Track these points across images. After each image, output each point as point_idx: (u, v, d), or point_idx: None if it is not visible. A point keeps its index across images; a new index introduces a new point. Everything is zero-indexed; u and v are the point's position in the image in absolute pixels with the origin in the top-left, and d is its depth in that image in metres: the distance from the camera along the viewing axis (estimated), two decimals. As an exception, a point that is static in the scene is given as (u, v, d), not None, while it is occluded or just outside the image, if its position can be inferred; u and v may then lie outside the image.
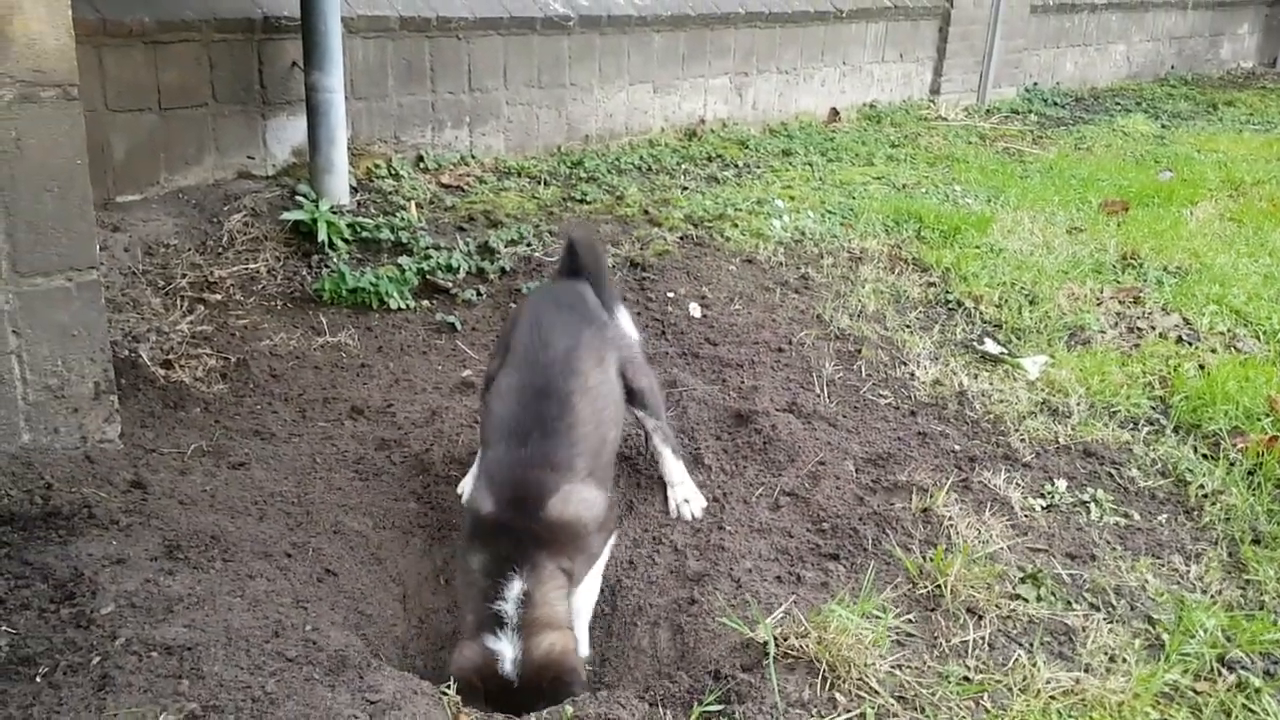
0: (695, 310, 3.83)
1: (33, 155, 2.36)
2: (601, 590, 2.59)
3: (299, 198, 4.03)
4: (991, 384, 3.35)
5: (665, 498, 2.79)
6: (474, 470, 2.63)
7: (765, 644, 2.10)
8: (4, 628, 1.95)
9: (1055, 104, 8.15)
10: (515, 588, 2.10)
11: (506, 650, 2.06)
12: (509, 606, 2.08)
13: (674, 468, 2.79)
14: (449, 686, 2.01)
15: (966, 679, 2.11)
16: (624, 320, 2.75)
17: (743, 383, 3.33)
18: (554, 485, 2.21)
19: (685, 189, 5.15)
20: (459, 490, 2.75)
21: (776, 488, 2.79)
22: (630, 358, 2.67)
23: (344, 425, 3.06)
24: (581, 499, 2.26)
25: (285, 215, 3.93)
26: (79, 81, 2.40)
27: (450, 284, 3.90)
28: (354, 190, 4.30)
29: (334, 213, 4.02)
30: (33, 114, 2.34)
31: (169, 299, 3.52)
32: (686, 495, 2.77)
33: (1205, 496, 2.84)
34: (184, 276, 3.62)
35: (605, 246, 4.32)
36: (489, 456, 2.31)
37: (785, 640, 2.11)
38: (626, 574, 2.60)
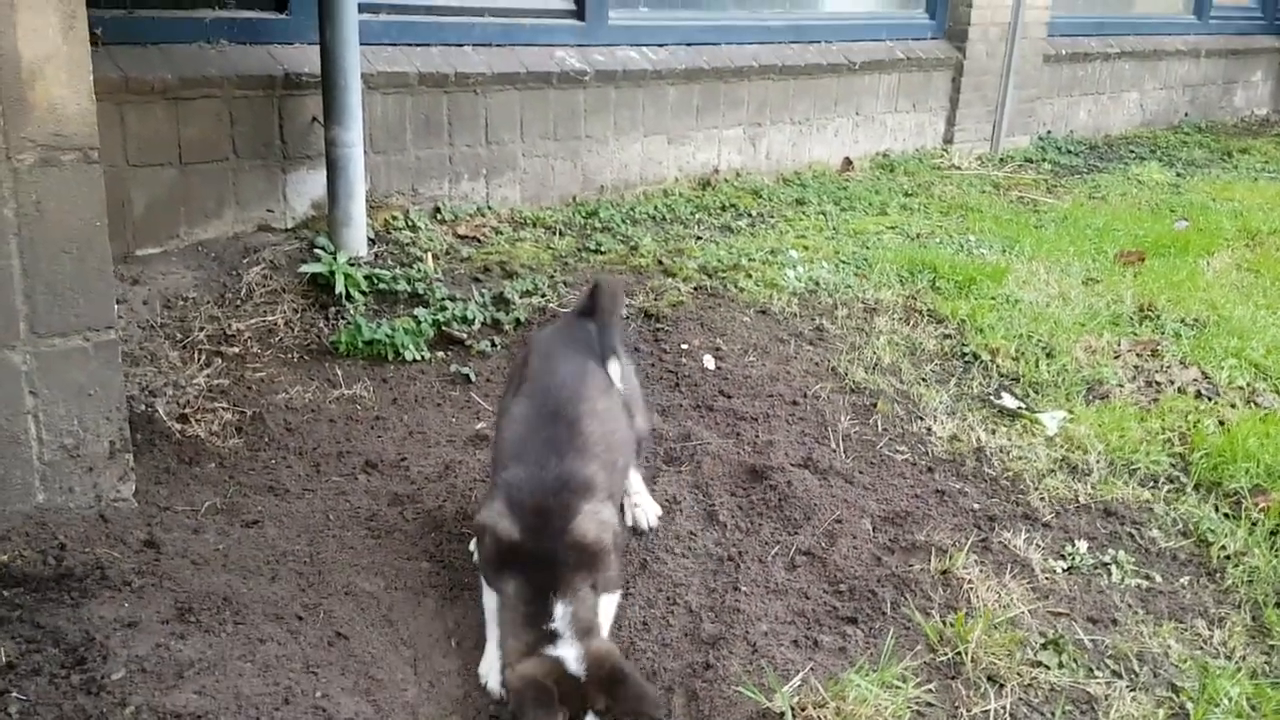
0: (709, 362, 3.82)
1: (52, 218, 2.38)
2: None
3: (317, 250, 4.06)
4: (1009, 440, 3.32)
5: (677, 554, 2.76)
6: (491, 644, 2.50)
7: (782, 715, 2.07)
8: (15, 694, 1.94)
9: (1069, 152, 8.16)
10: (559, 609, 2.19)
11: (569, 652, 2.14)
12: (560, 624, 2.18)
13: (634, 480, 2.88)
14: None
15: (987, 751, 2.07)
16: (614, 370, 2.68)
17: (757, 437, 3.31)
18: (576, 507, 2.28)
19: (699, 239, 5.17)
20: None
21: (793, 547, 2.77)
22: (631, 396, 2.77)
23: (357, 480, 3.05)
24: (601, 521, 2.32)
25: (304, 268, 3.96)
26: (99, 143, 2.43)
27: (465, 335, 3.91)
28: (372, 242, 4.33)
29: (351, 265, 4.05)
30: (53, 177, 2.37)
31: (186, 352, 3.54)
32: (639, 502, 2.89)
33: (1227, 558, 2.80)
34: (202, 329, 3.64)
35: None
36: (506, 477, 2.35)
37: (803, 710, 2.08)
38: (640, 636, 2.57)
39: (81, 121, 2.38)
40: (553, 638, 2.16)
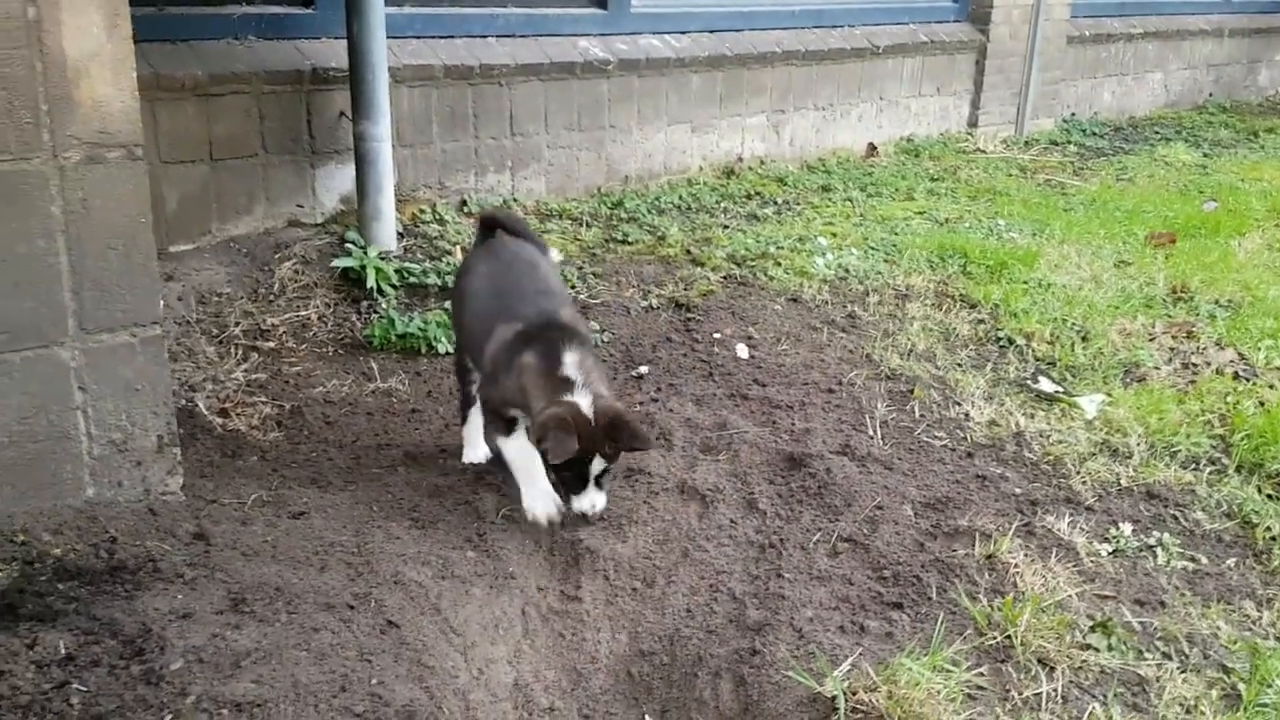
0: (743, 351, 3.82)
1: (98, 215, 2.40)
2: (659, 638, 2.57)
3: (348, 245, 4.08)
4: (1049, 424, 3.31)
5: (719, 542, 2.77)
6: (471, 439, 3.09)
7: (834, 698, 2.07)
8: (75, 685, 1.96)
9: (1094, 134, 8.11)
10: (571, 357, 2.57)
11: (583, 400, 2.52)
12: (573, 371, 2.55)
13: None
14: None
15: (1041, 733, 2.06)
16: (554, 255, 3.38)
17: (794, 425, 3.31)
18: (560, 304, 2.77)
19: (726, 228, 5.16)
20: (464, 461, 3.06)
21: (834, 533, 2.76)
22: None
23: (398, 472, 3.06)
24: (581, 323, 2.78)
25: (335, 262, 3.98)
26: (143, 140, 2.45)
27: (497, 328, 3.92)
28: (401, 236, 4.34)
29: (382, 259, 4.06)
30: (99, 175, 2.38)
31: (223, 347, 3.56)
32: None
33: (1273, 539, 2.79)
34: (237, 325, 3.66)
35: (649, 287, 4.34)
36: (503, 313, 2.72)
37: (854, 694, 2.08)
38: (685, 623, 2.58)
39: (125, 119, 2.39)
40: (568, 385, 2.53)
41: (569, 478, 2.56)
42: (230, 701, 1.91)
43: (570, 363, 2.57)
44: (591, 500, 2.57)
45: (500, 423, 2.72)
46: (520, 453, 2.70)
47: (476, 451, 3.07)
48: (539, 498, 2.67)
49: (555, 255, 3.21)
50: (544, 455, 2.51)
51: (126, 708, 1.91)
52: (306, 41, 4.24)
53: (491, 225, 3.14)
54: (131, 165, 2.43)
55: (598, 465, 2.54)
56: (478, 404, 3.07)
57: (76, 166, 2.36)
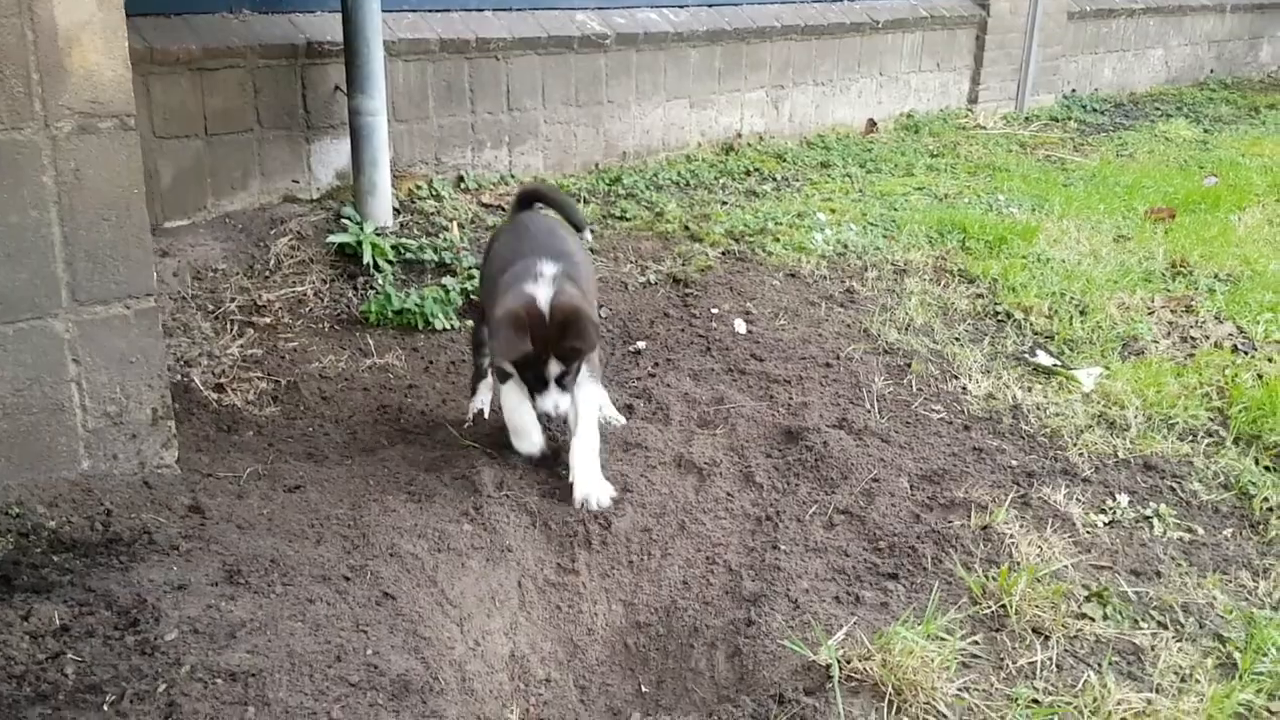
0: (740, 326, 3.81)
1: (91, 185, 2.39)
2: (655, 610, 2.57)
3: (343, 220, 4.06)
4: (1046, 397, 3.30)
5: (715, 514, 2.77)
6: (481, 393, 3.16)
7: (829, 666, 2.07)
8: (70, 655, 1.96)
9: (1094, 110, 8.07)
10: (549, 268, 2.60)
11: (542, 294, 2.53)
12: (546, 269, 2.58)
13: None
14: (511, 711, 2.01)
15: (1036, 701, 2.07)
16: (588, 235, 3.36)
17: (791, 399, 3.30)
18: (563, 257, 2.72)
19: (724, 204, 5.14)
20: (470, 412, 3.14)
21: (830, 506, 2.76)
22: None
23: (394, 447, 3.06)
24: (582, 277, 2.75)
25: (330, 238, 3.96)
26: (135, 110, 2.43)
27: (494, 303, 3.91)
28: (397, 212, 4.32)
29: (378, 234, 4.05)
30: (91, 145, 2.37)
31: (219, 323, 3.55)
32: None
33: (1270, 510, 2.78)
34: (233, 300, 3.65)
35: (647, 263, 4.32)
36: (512, 267, 2.69)
37: (849, 663, 2.08)
38: (681, 594, 2.58)
39: (117, 88, 2.37)
40: (536, 276, 2.56)
41: (528, 378, 2.59)
42: (225, 671, 1.92)
43: (545, 267, 2.58)
44: (554, 401, 2.59)
45: (500, 372, 2.73)
46: (509, 396, 2.74)
47: (478, 400, 3.16)
48: (520, 435, 2.74)
49: (588, 235, 3.22)
50: (493, 354, 2.56)
51: (121, 677, 1.91)
52: (301, 15, 4.21)
53: (531, 199, 3.16)
54: (124, 135, 2.42)
55: (554, 367, 2.55)
56: (488, 378, 3.11)
57: (69, 136, 2.34)
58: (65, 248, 2.38)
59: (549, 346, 2.52)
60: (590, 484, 2.70)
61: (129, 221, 2.45)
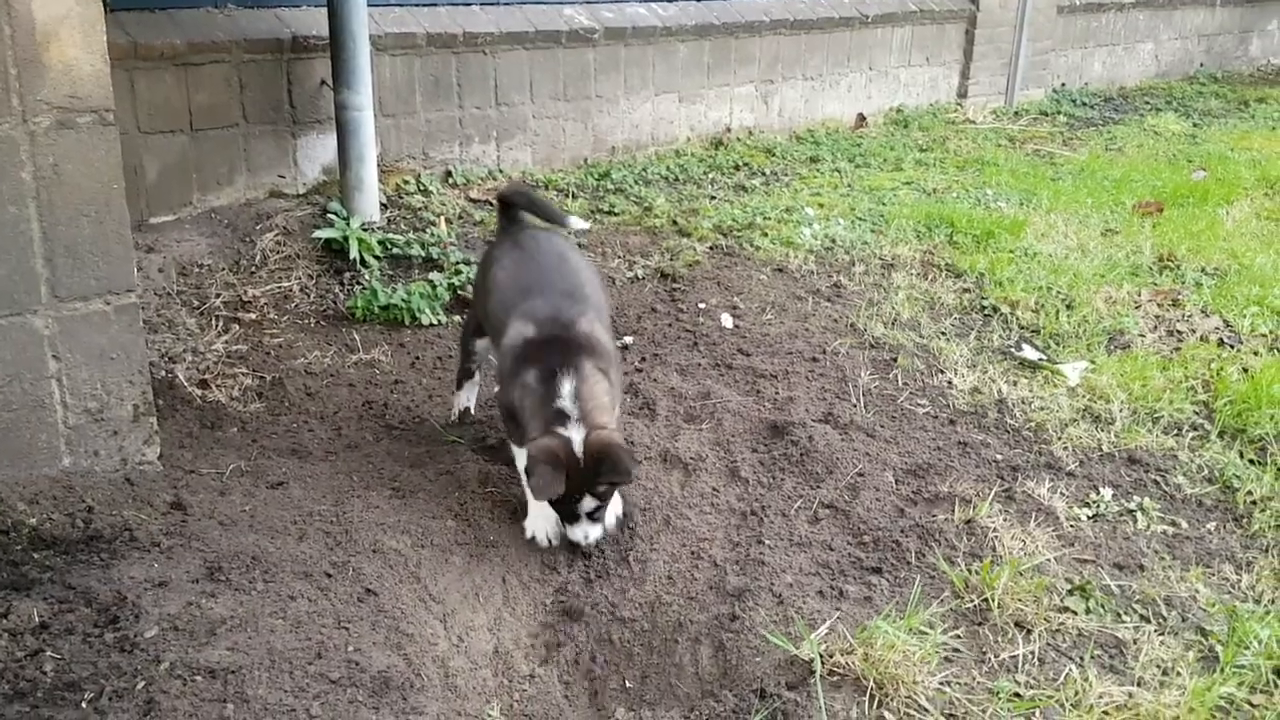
0: (727, 321, 3.80)
1: (70, 180, 2.37)
2: (640, 605, 2.57)
3: (330, 215, 4.05)
4: (1031, 391, 3.31)
5: (700, 509, 2.76)
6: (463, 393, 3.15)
7: (811, 661, 2.07)
8: (49, 653, 1.96)
9: (1084, 105, 8.07)
10: (568, 386, 2.48)
11: (575, 435, 2.46)
12: (568, 403, 2.48)
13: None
14: (492, 708, 2.00)
15: (1017, 695, 2.07)
16: (575, 223, 3.17)
17: (777, 393, 3.30)
18: (581, 311, 2.65)
19: (713, 198, 5.14)
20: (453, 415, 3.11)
21: (815, 500, 2.76)
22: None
23: (379, 443, 3.05)
24: (601, 328, 2.68)
25: (317, 233, 3.95)
26: (114, 105, 2.42)
27: (481, 299, 3.90)
28: (384, 207, 4.31)
29: (365, 230, 4.03)
30: (70, 140, 2.35)
31: (204, 319, 3.54)
32: None
33: (1254, 503, 2.79)
34: (218, 296, 3.64)
35: (635, 258, 4.31)
36: (520, 307, 2.66)
37: (831, 657, 2.08)
38: (666, 589, 2.57)
39: (96, 83, 2.36)
40: (563, 417, 2.47)
41: (561, 510, 2.55)
42: (204, 668, 1.91)
43: (567, 393, 2.49)
44: (585, 532, 2.56)
45: (514, 426, 2.64)
46: (525, 390, 2.65)
47: (463, 397, 3.16)
48: (539, 519, 2.63)
49: (579, 224, 3.17)
50: (531, 490, 2.47)
51: (100, 675, 1.90)
52: (286, 10, 4.19)
53: (510, 205, 3.07)
54: (103, 130, 2.40)
55: (588, 504, 2.50)
56: (475, 377, 3.12)
57: (47, 131, 2.33)
58: (44, 243, 2.37)
59: (584, 486, 2.46)
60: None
61: (109, 217, 2.44)
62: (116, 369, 2.53)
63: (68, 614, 2.07)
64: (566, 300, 2.67)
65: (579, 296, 2.71)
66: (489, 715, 1.97)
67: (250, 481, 2.69)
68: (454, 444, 3.02)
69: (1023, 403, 3.23)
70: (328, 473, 2.79)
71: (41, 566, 2.21)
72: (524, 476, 2.55)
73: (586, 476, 2.45)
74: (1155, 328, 3.81)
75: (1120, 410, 3.19)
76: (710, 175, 5.50)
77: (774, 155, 5.95)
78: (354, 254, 3.92)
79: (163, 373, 3.19)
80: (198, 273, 3.72)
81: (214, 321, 3.53)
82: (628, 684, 2.49)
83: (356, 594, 2.26)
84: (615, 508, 2.73)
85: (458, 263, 4.02)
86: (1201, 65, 9.80)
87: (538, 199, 3.18)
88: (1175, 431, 3.11)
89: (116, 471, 2.57)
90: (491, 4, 4.88)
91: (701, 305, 3.91)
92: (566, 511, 2.55)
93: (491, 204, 4.67)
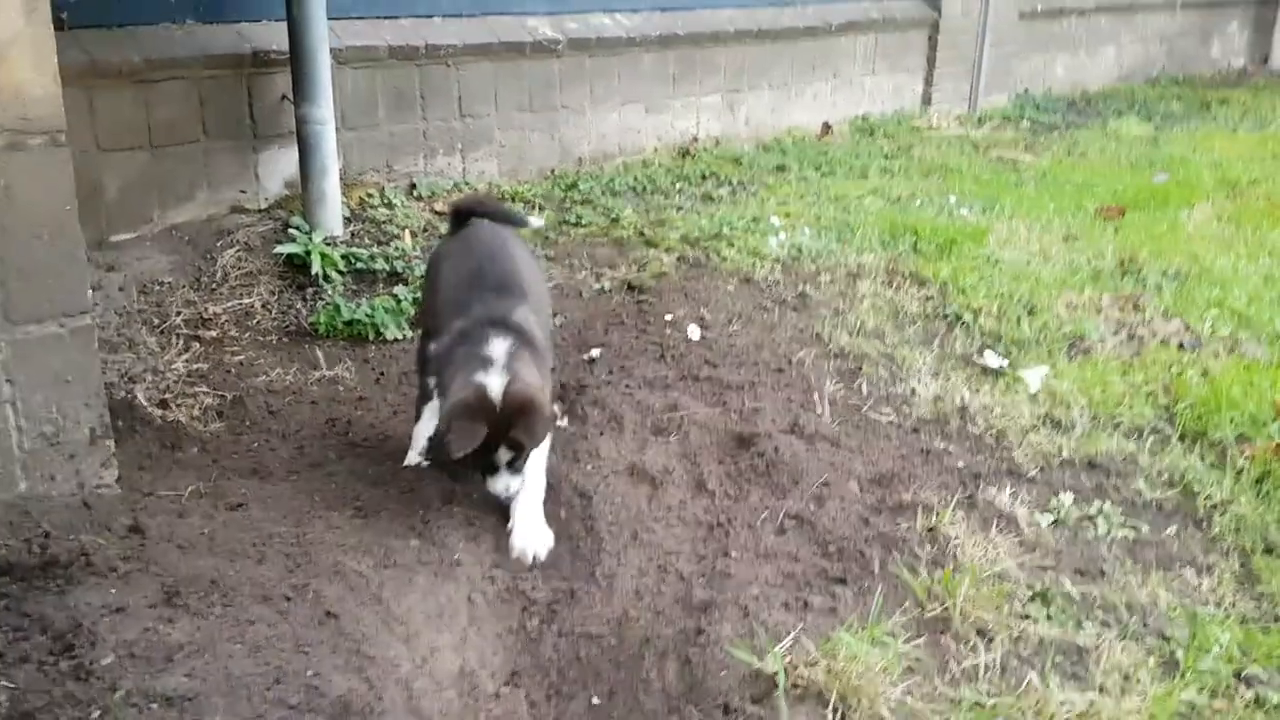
0: (694, 332, 3.81)
1: (22, 203, 2.34)
2: (607, 621, 2.56)
3: (292, 230, 4.02)
4: (993, 398, 3.33)
5: (667, 522, 2.76)
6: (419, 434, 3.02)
7: (775, 675, 2.07)
8: (3, 682, 1.92)
9: (1047, 109, 8.15)
10: (500, 344, 2.49)
11: (494, 381, 2.44)
12: (496, 352, 2.47)
13: (525, 495, 2.71)
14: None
15: (979, 704, 2.08)
16: (535, 221, 3.31)
17: (743, 404, 3.31)
18: (515, 304, 2.64)
19: (680, 209, 5.15)
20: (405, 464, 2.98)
21: (781, 511, 2.77)
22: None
23: (342, 461, 3.03)
24: (535, 322, 2.67)
25: (279, 249, 3.92)
26: (67, 126, 2.39)
27: (447, 313, 3.88)
28: (347, 221, 4.29)
29: (327, 244, 4.01)
30: (21, 162, 2.32)
31: (164, 337, 3.50)
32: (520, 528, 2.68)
33: (1214, 507, 2.82)
34: (179, 314, 3.60)
35: (602, 269, 4.31)
36: (459, 302, 2.65)
37: (795, 670, 2.08)
38: (633, 605, 2.57)
39: (48, 104, 2.33)
40: (487, 363, 2.45)
41: (477, 462, 2.52)
42: (160, 695, 1.89)
43: (496, 345, 2.49)
44: (505, 484, 2.55)
45: (425, 380, 2.72)
46: (453, 359, 2.63)
47: (421, 434, 3.00)
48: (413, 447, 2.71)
49: (537, 221, 3.23)
50: (446, 447, 2.42)
51: (55, 704, 1.87)
52: (247, 24, 4.17)
53: (464, 214, 3.07)
54: (55, 151, 2.38)
55: (505, 454, 2.48)
56: (433, 401, 3.00)
57: (-3, 154, 2.30)
58: (-4, 266, 2.33)
59: (499, 436, 2.44)
60: (529, 535, 2.62)
61: (62, 239, 2.41)
62: (72, 392, 2.50)
63: (22, 642, 2.04)
64: (502, 295, 2.67)
65: (516, 291, 2.71)
66: (452, 736, 1.96)
67: (210, 503, 2.66)
68: (417, 462, 3.00)
69: (984, 410, 3.26)
70: (289, 493, 2.77)
71: (-4, 595, 2.18)
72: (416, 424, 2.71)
73: (502, 426, 2.41)
74: (1116, 332, 3.85)
75: (1081, 416, 3.22)
76: (677, 185, 5.51)
77: (741, 165, 5.97)
78: (316, 269, 3.89)
79: (122, 393, 3.15)
80: (158, 291, 3.68)
81: (174, 340, 3.50)
82: (594, 700, 2.48)
83: (317, 617, 2.24)
84: (538, 475, 2.67)
85: (422, 276, 4.00)
86: (1163, 68, 9.93)
87: (490, 203, 3.20)
88: (1136, 436, 3.14)
89: (74, 495, 2.53)
90: (455, 15, 4.87)
91: (669, 317, 3.92)
92: (484, 463, 2.51)
93: (457, 217, 4.66)
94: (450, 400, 2.46)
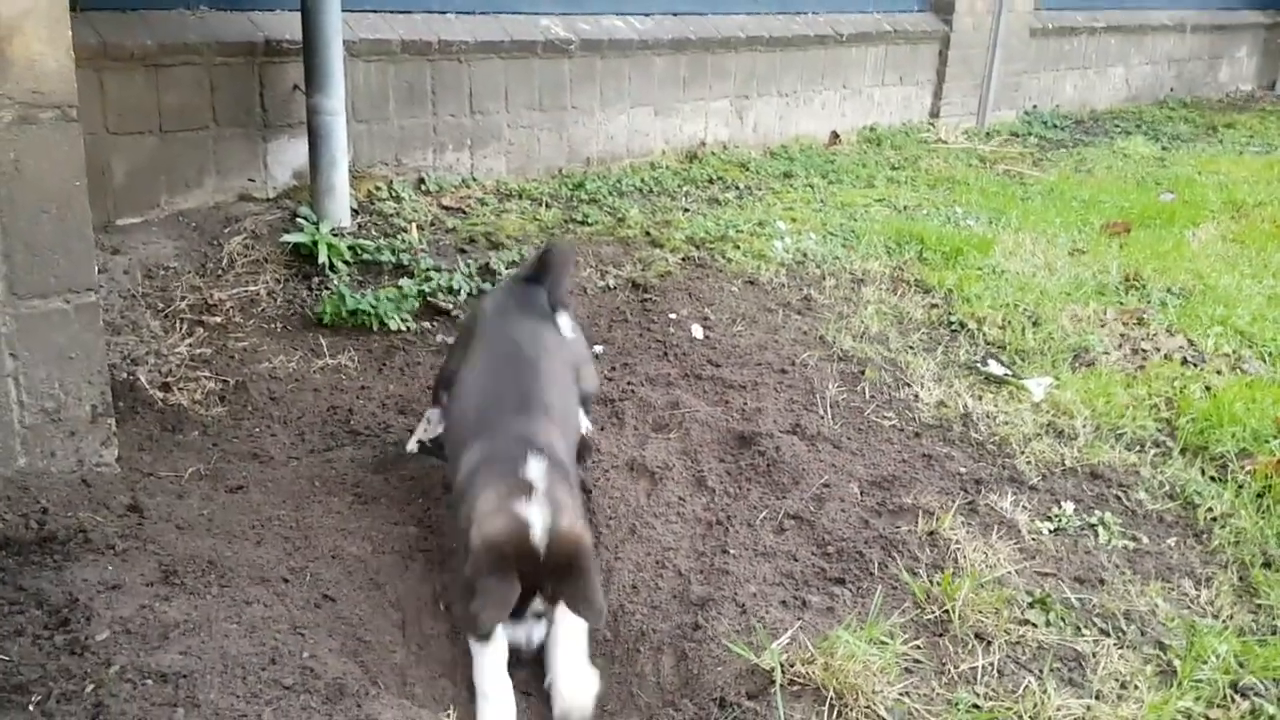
0: (698, 331, 3.81)
1: (31, 176, 2.34)
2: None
3: (299, 220, 4.02)
4: (996, 406, 3.32)
5: (666, 519, 2.75)
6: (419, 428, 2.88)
7: (772, 671, 2.07)
8: (-4, 655, 1.92)
9: (1055, 126, 8.16)
10: (536, 464, 2.16)
11: (537, 517, 2.06)
12: (536, 476, 2.12)
13: (565, 646, 2.23)
14: (449, 715, 1.98)
15: (976, 706, 2.07)
16: (564, 322, 2.86)
17: (746, 404, 3.30)
18: (540, 427, 2.36)
19: (686, 211, 5.15)
20: (408, 447, 2.87)
21: (781, 510, 2.76)
22: (583, 359, 2.89)
23: (343, 448, 3.03)
24: (563, 451, 2.40)
25: (286, 237, 3.92)
26: (79, 103, 2.39)
27: (451, 306, 3.88)
28: (355, 213, 4.29)
29: (335, 235, 4.01)
30: (31, 135, 2.32)
31: (168, 321, 3.50)
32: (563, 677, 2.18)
33: (1214, 520, 2.81)
34: (183, 299, 3.60)
35: (607, 268, 4.31)
36: (478, 423, 2.41)
37: (792, 667, 2.07)
38: (629, 598, 2.56)
39: (60, 79, 2.33)
40: (527, 489, 2.10)
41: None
42: (155, 672, 1.88)
43: (535, 467, 2.15)
44: (528, 633, 2.15)
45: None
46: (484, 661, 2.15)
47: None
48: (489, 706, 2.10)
49: (565, 325, 2.81)
50: (471, 615, 2.01)
51: (49, 677, 1.87)
52: (260, 13, 4.17)
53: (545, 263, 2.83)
54: (66, 126, 2.38)
55: (539, 604, 2.11)
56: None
57: (9, 126, 2.30)
58: (3, 240, 2.33)
59: (538, 584, 2.05)
60: (577, 688, 2.13)
61: (70, 214, 2.41)
62: (75, 369, 2.49)
63: (17, 615, 2.03)
64: (526, 419, 2.37)
65: (544, 413, 2.42)
66: (446, 722, 1.95)
67: (209, 485, 2.66)
68: (417, 452, 3.00)
69: (987, 417, 3.25)
70: (289, 477, 2.77)
71: (-8, 567, 2.17)
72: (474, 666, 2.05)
73: (542, 574, 2.03)
74: (1120, 346, 3.84)
75: (1084, 426, 3.21)
76: (684, 188, 5.51)
77: (748, 170, 5.97)
78: (323, 259, 3.89)
79: (124, 375, 3.15)
80: (163, 275, 3.68)
81: (178, 324, 3.49)
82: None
83: (314, 600, 2.24)
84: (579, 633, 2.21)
85: (428, 269, 4.00)
86: (1171, 90, 9.94)
87: (563, 279, 2.92)
88: (1138, 448, 3.13)
89: (73, 473, 2.53)
90: (467, 13, 4.87)
91: (672, 316, 3.91)
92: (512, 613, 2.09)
93: (464, 211, 4.66)
94: (477, 539, 2.06)
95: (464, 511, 2.21)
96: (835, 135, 6.83)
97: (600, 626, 2.12)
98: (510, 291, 2.91)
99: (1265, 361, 3.75)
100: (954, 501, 2.76)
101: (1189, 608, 2.48)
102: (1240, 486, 2.92)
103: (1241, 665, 2.24)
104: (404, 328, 3.74)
